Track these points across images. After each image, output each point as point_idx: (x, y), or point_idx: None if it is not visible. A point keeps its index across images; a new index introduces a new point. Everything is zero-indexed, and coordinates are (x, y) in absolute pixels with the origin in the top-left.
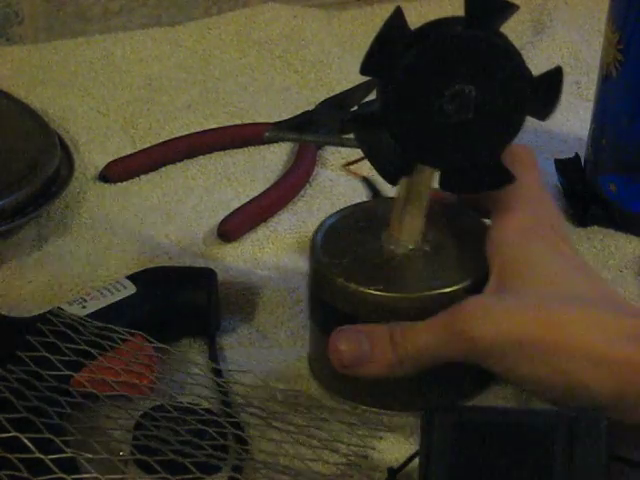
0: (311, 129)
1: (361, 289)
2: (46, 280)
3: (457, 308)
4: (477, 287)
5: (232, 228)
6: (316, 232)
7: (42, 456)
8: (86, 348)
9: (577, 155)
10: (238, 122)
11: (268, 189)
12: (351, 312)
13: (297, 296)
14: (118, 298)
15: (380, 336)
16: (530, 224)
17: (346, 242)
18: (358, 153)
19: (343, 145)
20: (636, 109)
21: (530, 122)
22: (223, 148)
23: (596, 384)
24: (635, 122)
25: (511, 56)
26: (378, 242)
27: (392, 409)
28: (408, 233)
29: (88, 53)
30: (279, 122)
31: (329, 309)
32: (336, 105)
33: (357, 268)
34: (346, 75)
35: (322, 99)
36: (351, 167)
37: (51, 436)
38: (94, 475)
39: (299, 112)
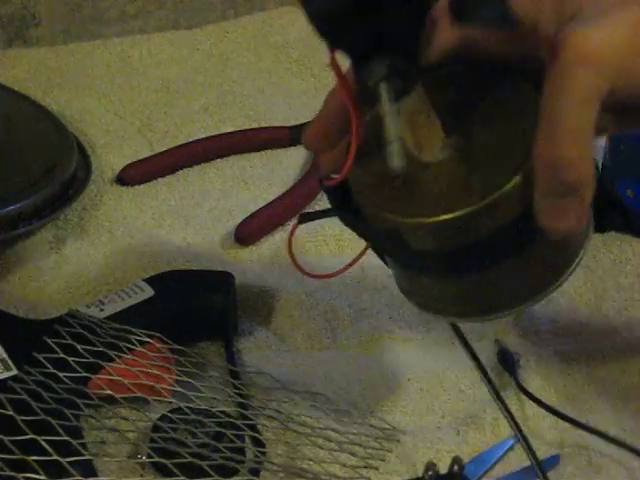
0: None
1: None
2: (63, 283)
3: (560, 55)
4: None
5: (249, 232)
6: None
7: (59, 458)
8: (104, 350)
9: (594, 161)
10: (255, 125)
11: (285, 193)
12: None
13: (314, 299)
14: (136, 301)
15: None
16: None
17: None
18: None
19: None
20: None
21: None
22: (240, 151)
23: None
24: None
25: None
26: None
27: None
28: (430, 148)
29: (105, 56)
30: (295, 126)
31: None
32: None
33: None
34: None
35: None
36: None
37: (69, 438)
38: (112, 478)
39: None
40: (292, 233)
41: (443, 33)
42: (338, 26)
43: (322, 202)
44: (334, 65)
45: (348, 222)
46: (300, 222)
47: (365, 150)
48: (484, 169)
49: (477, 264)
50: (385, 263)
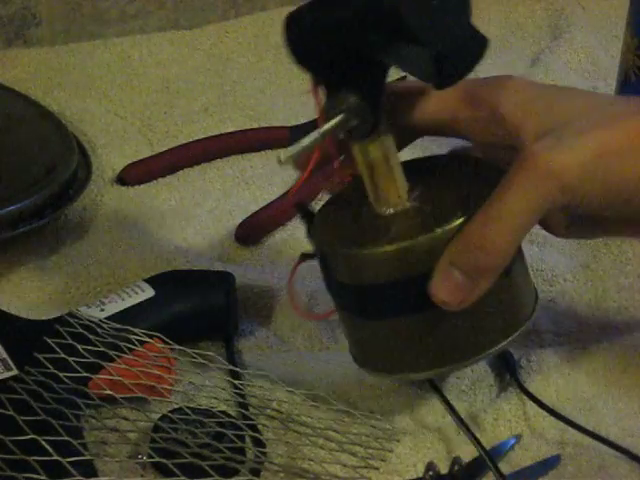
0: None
1: (364, 251)
2: (64, 283)
3: (524, 162)
4: None
5: (250, 232)
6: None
7: (60, 459)
8: (104, 350)
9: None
10: (255, 125)
11: (285, 193)
12: (359, 282)
13: (314, 299)
14: (136, 301)
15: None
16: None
17: (338, 221)
18: None
19: None
20: None
21: None
22: (240, 151)
23: None
24: None
25: None
26: (365, 211)
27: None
28: (386, 198)
29: (105, 56)
30: (296, 126)
31: (343, 287)
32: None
33: (354, 236)
34: None
35: None
36: None
37: (69, 438)
38: (112, 478)
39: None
40: (293, 272)
41: (425, 103)
42: (310, 56)
43: (322, 202)
44: (313, 90)
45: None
46: (302, 261)
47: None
48: (422, 221)
49: (385, 310)
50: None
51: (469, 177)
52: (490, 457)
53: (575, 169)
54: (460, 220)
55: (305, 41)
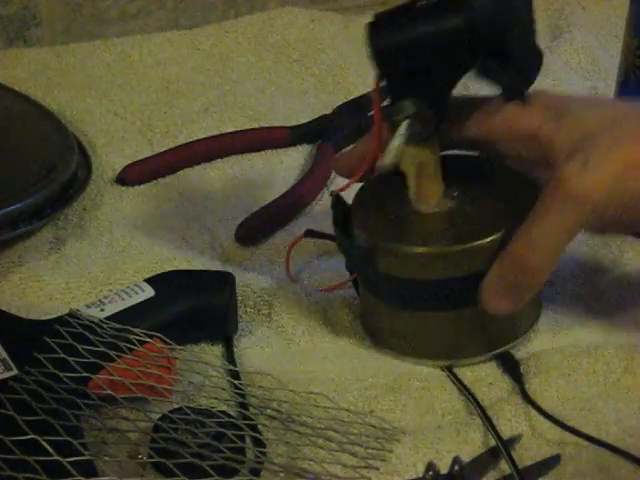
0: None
1: (404, 248)
2: (64, 283)
3: (558, 187)
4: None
5: (250, 232)
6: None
7: (60, 459)
8: (104, 350)
9: None
10: (255, 125)
11: (286, 193)
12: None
13: (314, 299)
14: (136, 301)
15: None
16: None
17: (376, 213)
18: None
19: None
20: None
21: None
22: (241, 152)
23: None
24: None
25: None
26: (404, 208)
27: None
28: (427, 198)
29: (105, 56)
30: (296, 126)
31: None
32: (354, 109)
33: (393, 230)
34: (363, 79)
35: (339, 103)
36: None
37: (69, 438)
38: (112, 478)
39: (316, 116)
40: (294, 243)
41: (468, 118)
42: (392, 64)
43: (322, 202)
44: (375, 90)
45: (337, 235)
46: (306, 236)
47: (378, 183)
48: (464, 228)
49: (420, 303)
50: (357, 293)
51: (503, 184)
52: (506, 447)
53: (605, 188)
54: (500, 234)
55: (391, 51)
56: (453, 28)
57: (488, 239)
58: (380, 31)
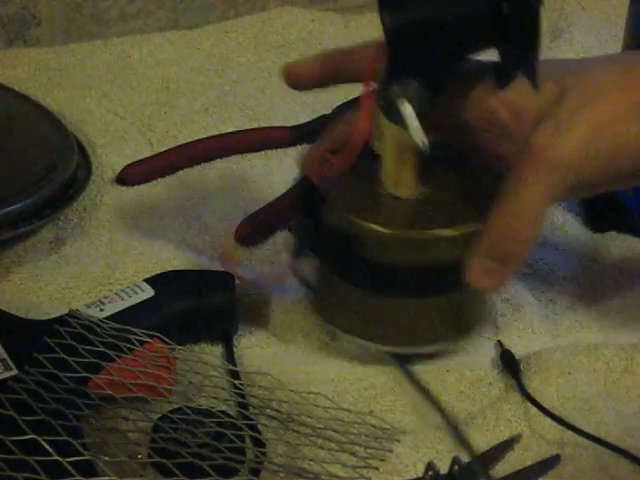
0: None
1: (366, 223)
2: (63, 283)
3: (531, 156)
4: None
5: (249, 232)
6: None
7: (60, 459)
8: (104, 350)
9: None
10: (255, 125)
11: (285, 193)
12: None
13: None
14: (136, 301)
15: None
16: None
17: (350, 191)
18: None
19: None
20: None
21: None
22: (240, 152)
23: None
24: None
25: None
26: (376, 190)
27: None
28: (404, 183)
29: (105, 56)
30: (296, 126)
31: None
32: (353, 109)
33: (361, 206)
34: None
35: (339, 103)
36: None
37: (69, 438)
38: (112, 478)
39: (316, 116)
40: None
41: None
42: (404, 45)
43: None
44: (369, 66)
45: (300, 216)
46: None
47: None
48: (434, 215)
49: (397, 289)
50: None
51: (477, 179)
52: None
53: (578, 149)
54: (470, 225)
55: (404, 30)
56: (475, 6)
57: (458, 228)
58: (394, 10)
